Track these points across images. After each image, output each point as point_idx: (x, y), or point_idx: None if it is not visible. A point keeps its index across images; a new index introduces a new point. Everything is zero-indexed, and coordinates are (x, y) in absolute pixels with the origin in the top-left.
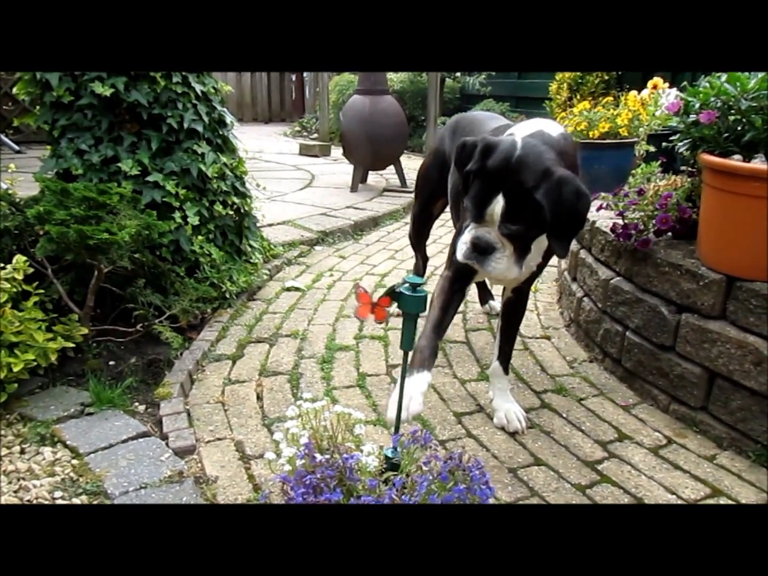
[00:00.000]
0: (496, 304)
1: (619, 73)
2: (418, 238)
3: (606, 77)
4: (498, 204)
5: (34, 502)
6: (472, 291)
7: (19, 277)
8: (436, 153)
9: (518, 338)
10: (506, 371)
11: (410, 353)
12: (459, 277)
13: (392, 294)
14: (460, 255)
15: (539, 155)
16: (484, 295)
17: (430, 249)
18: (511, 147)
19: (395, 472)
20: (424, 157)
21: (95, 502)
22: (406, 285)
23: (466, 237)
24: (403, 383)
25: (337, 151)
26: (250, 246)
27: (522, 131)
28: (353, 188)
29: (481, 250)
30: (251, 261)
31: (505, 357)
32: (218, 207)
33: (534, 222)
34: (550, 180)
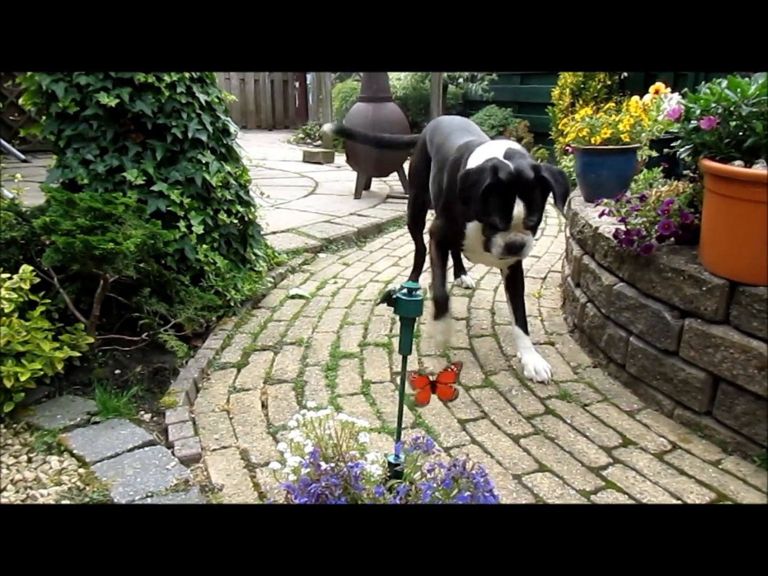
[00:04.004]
0: (468, 278)
1: (622, 78)
2: (415, 223)
3: (608, 82)
4: (519, 206)
5: None
6: (478, 297)
7: (26, 286)
8: (422, 150)
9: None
10: (526, 332)
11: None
12: (443, 245)
13: (389, 300)
14: (498, 252)
15: (525, 159)
16: (458, 271)
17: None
18: (505, 163)
19: (399, 480)
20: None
21: None
22: (404, 290)
23: (500, 242)
24: (403, 389)
25: (340, 158)
26: (255, 254)
27: (496, 151)
28: (357, 195)
29: (517, 249)
30: (256, 269)
31: (521, 321)
32: (223, 216)
33: (542, 207)
34: (544, 170)
